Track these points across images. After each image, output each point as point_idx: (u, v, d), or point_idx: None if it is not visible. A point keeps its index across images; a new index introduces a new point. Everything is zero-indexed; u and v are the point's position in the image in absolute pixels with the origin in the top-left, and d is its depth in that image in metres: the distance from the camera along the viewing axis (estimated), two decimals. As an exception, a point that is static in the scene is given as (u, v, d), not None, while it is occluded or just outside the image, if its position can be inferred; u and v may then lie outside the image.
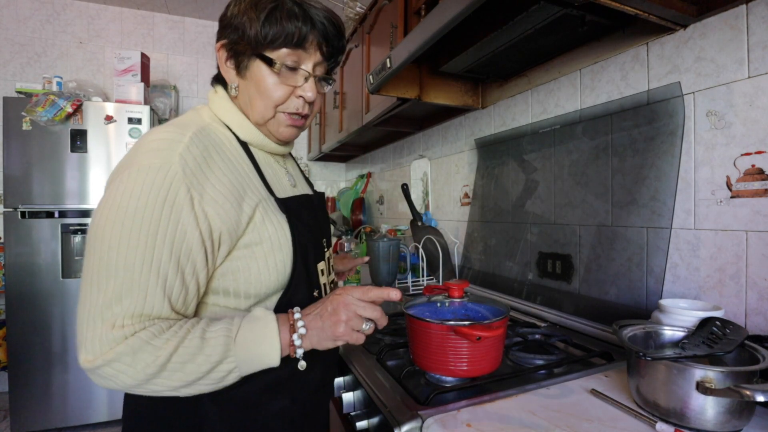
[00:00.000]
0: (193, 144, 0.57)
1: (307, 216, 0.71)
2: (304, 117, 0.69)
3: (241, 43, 0.62)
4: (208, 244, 0.56)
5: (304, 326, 0.58)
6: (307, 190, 0.80)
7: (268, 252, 0.61)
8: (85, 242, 0.55)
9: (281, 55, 0.63)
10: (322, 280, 0.73)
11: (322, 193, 0.87)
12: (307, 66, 0.65)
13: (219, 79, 0.70)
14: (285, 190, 0.71)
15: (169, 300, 0.53)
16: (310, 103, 0.68)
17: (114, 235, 0.51)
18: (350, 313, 0.57)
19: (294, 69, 0.64)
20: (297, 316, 0.59)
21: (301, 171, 0.88)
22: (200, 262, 0.56)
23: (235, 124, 0.66)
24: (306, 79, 0.65)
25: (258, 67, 0.63)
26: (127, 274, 0.51)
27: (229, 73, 0.66)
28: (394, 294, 0.60)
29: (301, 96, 0.66)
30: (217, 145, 0.62)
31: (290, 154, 0.86)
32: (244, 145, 0.67)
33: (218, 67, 0.69)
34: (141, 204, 0.52)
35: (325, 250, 0.77)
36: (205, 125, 0.63)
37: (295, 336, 0.57)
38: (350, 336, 0.58)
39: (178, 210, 0.54)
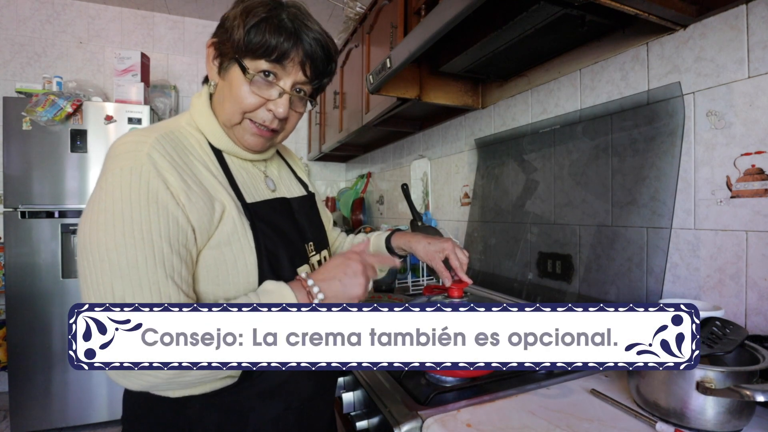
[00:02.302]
0: (158, 143, 0.57)
1: (281, 220, 0.70)
2: (273, 131, 0.68)
3: (226, 45, 0.63)
4: (190, 234, 0.57)
5: (320, 291, 0.60)
6: (292, 193, 0.78)
7: (238, 254, 0.61)
8: (77, 255, 0.55)
9: (258, 65, 0.62)
10: None
11: (312, 195, 0.84)
12: (285, 83, 0.64)
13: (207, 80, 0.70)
14: (260, 194, 0.69)
15: (182, 290, 0.55)
16: (281, 120, 0.67)
17: (108, 238, 0.52)
18: (368, 277, 0.64)
19: (270, 82, 0.63)
20: (311, 282, 0.60)
21: (294, 172, 0.85)
22: (194, 251, 0.58)
23: (209, 131, 0.67)
24: (280, 95, 0.64)
25: (235, 71, 0.63)
26: (133, 272, 0.51)
27: (212, 70, 0.67)
28: (390, 261, 0.73)
29: (271, 110, 0.65)
30: (185, 148, 0.62)
31: (280, 155, 0.84)
32: (218, 151, 0.67)
33: None
34: (126, 204, 0.53)
35: (312, 254, 0.74)
36: (175, 129, 0.63)
37: (315, 302, 0.58)
38: (365, 296, 0.63)
39: (164, 205, 0.54)
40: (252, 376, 0.62)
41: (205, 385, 0.60)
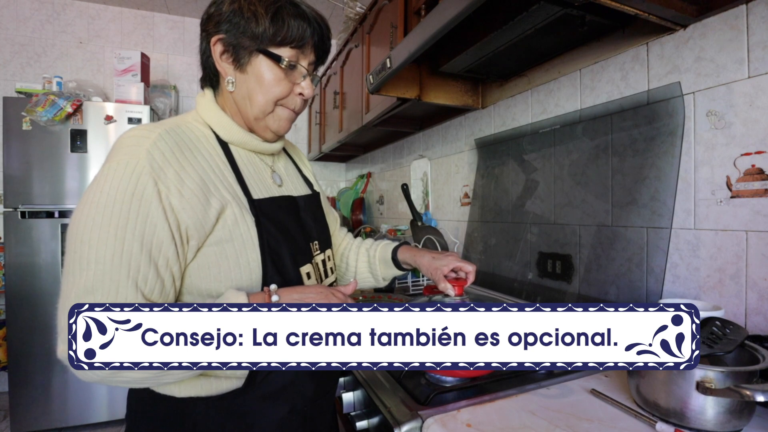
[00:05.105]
0: (161, 139, 0.58)
1: (286, 218, 0.70)
2: (297, 112, 0.72)
3: (242, 39, 0.63)
4: (176, 237, 0.57)
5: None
6: (298, 191, 0.78)
7: (240, 250, 0.61)
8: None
9: (282, 53, 0.64)
10: (309, 284, 0.70)
11: (317, 194, 0.84)
12: (304, 64, 0.67)
13: (208, 80, 0.70)
14: (267, 190, 0.70)
15: (143, 293, 0.54)
16: (305, 100, 0.71)
17: (86, 229, 0.53)
18: None
19: (293, 67, 0.66)
20: (275, 298, 0.58)
21: (299, 170, 0.85)
22: (172, 255, 0.57)
23: (216, 124, 0.67)
24: (304, 78, 0.68)
25: (260, 62, 0.64)
26: (98, 267, 0.52)
27: (227, 67, 0.66)
28: None
29: (300, 93, 0.69)
30: (190, 142, 0.62)
31: (285, 152, 0.84)
32: (225, 145, 0.67)
33: (208, 66, 0.68)
34: (110, 199, 0.53)
35: (316, 253, 0.75)
36: (182, 124, 0.64)
37: None
38: None
39: (147, 203, 0.55)
40: (256, 380, 0.62)
41: (210, 387, 0.60)
